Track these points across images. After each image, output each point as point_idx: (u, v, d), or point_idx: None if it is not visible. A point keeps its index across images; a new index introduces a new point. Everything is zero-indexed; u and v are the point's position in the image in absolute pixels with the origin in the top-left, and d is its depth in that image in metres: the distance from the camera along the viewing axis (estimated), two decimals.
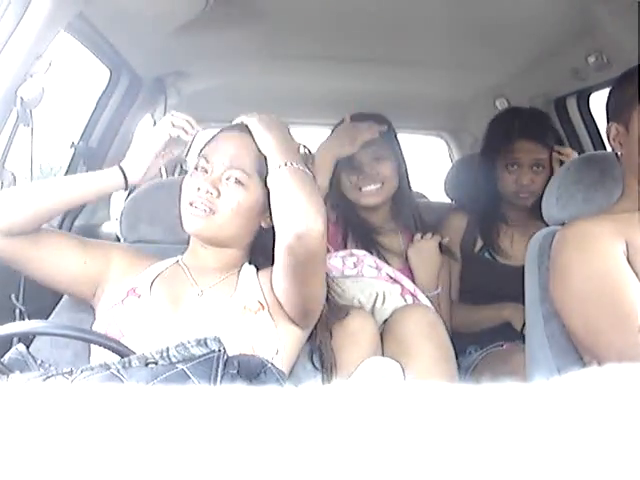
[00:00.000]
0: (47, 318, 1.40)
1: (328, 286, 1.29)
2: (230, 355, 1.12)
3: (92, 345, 1.24)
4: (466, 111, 3.07)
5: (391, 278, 1.56)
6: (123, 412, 0.27)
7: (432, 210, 2.11)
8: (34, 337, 1.35)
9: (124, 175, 1.25)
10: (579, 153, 2.02)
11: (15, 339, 1.25)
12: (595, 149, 2.47)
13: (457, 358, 1.41)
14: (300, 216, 1.12)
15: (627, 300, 1.10)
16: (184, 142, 1.31)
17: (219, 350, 1.09)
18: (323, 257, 1.21)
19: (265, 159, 1.21)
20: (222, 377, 1.08)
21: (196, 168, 1.27)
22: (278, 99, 2.73)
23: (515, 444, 0.25)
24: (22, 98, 1.41)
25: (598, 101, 2.45)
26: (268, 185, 1.19)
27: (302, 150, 1.28)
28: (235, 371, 1.11)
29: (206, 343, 1.09)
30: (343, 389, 0.29)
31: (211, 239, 1.28)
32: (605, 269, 1.14)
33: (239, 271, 1.30)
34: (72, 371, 1.07)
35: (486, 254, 1.95)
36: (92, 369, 1.06)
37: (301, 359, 1.32)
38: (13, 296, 1.44)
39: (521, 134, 1.87)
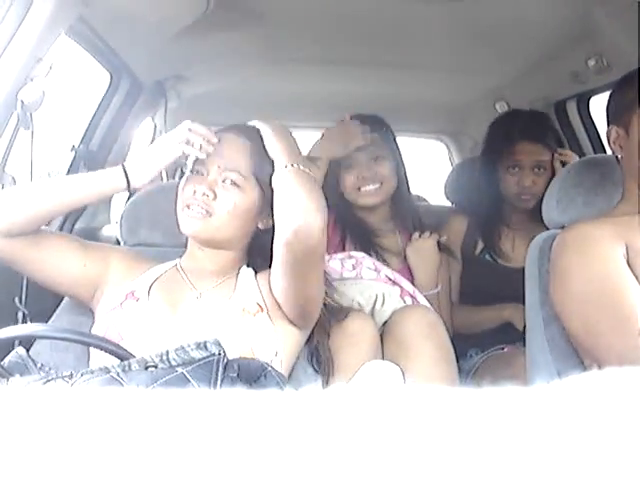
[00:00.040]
0: (47, 321, 1.40)
1: (327, 288, 1.30)
2: (230, 358, 1.12)
3: (91, 348, 1.24)
4: (466, 114, 3.08)
5: (390, 280, 1.56)
6: (123, 416, 0.27)
7: (432, 213, 2.11)
8: (34, 340, 1.35)
9: (127, 178, 1.24)
10: (579, 156, 2.02)
11: (15, 342, 1.25)
12: (595, 152, 2.48)
13: (458, 361, 1.41)
14: (300, 212, 1.14)
15: (627, 303, 1.10)
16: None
17: (219, 353, 1.09)
18: (322, 254, 1.21)
19: (261, 161, 1.23)
20: (222, 380, 1.08)
21: (192, 171, 1.27)
22: (278, 102, 2.73)
23: (516, 448, 0.25)
24: (22, 101, 1.41)
25: (598, 104, 2.45)
26: (272, 184, 1.20)
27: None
28: (235, 374, 1.11)
29: (206, 346, 1.09)
30: (343, 393, 0.29)
31: (208, 241, 1.29)
32: (605, 272, 1.14)
33: (237, 274, 1.30)
34: (72, 374, 1.06)
35: (487, 256, 1.95)
36: (92, 372, 1.06)
37: (301, 362, 1.32)
38: (17, 299, 1.44)
39: (522, 136, 1.87)
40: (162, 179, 1.26)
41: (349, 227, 1.84)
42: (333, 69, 2.43)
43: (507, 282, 1.77)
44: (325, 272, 1.29)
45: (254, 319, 1.23)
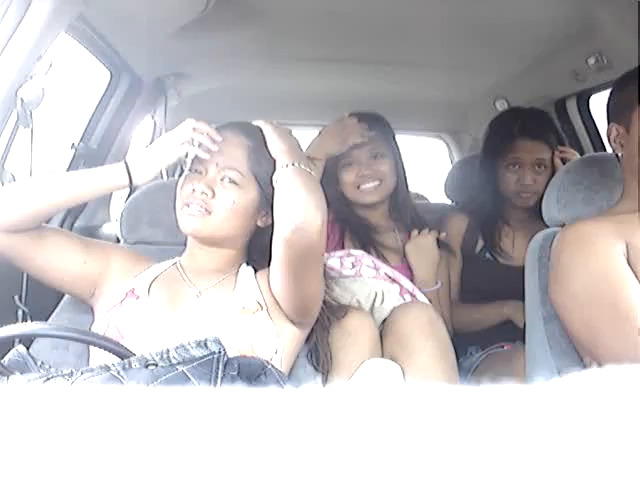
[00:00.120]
0: (47, 319, 1.40)
1: (326, 286, 1.30)
2: (230, 356, 1.12)
3: (91, 346, 1.24)
4: (466, 112, 3.07)
5: (389, 278, 1.56)
6: (123, 414, 0.27)
7: (432, 211, 2.11)
8: (34, 338, 1.35)
9: (129, 174, 1.23)
10: (580, 154, 2.02)
11: (15, 340, 1.25)
12: (595, 150, 2.47)
13: (458, 359, 1.41)
14: (299, 209, 1.14)
15: (627, 301, 1.10)
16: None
17: (219, 351, 1.09)
18: (320, 251, 1.21)
19: (260, 159, 1.24)
20: (222, 378, 1.08)
21: (191, 170, 1.27)
22: (278, 100, 2.73)
23: (516, 445, 0.25)
24: (22, 99, 1.41)
25: (598, 102, 2.45)
26: (274, 183, 1.21)
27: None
28: (235, 372, 1.11)
29: (206, 344, 1.09)
30: (343, 391, 0.29)
31: (208, 239, 1.29)
32: (605, 270, 1.14)
33: (237, 272, 1.30)
34: (72, 373, 1.07)
35: (487, 254, 1.95)
36: (92, 371, 1.06)
37: (301, 361, 1.32)
38: (17, 297, 1.44)
39: (522, 133, 1.87)
40: (162, 177, 1.26)
41: (348, 225, 1.84)
42: (333, 67, 2.43)
43: (507, 280, 1.77)
44: (324, 270, 1.29)
45: (254, 317, 1.23)
